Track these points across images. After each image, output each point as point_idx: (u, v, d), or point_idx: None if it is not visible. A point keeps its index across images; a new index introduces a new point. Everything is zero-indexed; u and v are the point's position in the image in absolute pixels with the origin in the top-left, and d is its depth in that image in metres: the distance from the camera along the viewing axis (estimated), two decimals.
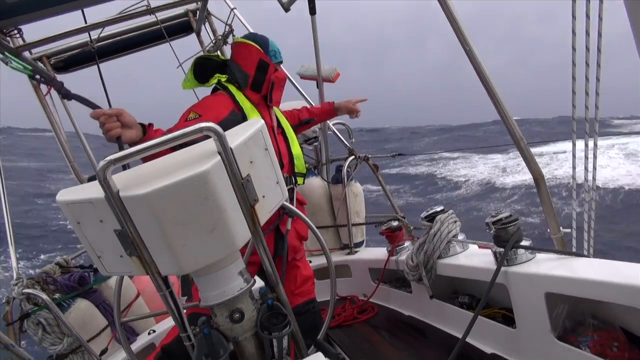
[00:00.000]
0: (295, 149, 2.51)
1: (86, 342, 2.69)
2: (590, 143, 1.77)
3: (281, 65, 2.47)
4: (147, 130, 1.86)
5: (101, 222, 0.98)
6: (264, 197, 1.10)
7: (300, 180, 2.53)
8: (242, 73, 2.33)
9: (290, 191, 2.45)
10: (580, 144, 1.81)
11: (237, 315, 1.15)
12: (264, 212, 1.11)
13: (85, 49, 3.33)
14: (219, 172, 0.95)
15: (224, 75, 2.38)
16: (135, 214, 0.93)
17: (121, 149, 1.70)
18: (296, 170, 2.49)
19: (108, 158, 0.90)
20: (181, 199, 0.92)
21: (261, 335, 1.17)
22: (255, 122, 1.12)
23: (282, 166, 2.37)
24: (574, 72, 1.75)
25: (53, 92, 3.52)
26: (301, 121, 2.85)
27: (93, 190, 0.96)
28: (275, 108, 2.56)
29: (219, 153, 0.96)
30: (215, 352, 1.14)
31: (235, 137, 1.03)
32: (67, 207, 1.00)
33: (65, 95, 2.02)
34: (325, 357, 1.13)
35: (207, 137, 0.96)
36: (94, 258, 1.08)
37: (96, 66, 3.40)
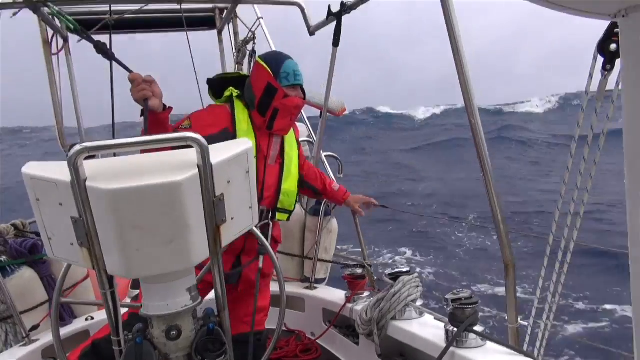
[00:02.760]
0: (288, 184, 2.40)
1: (19, 313, 2.58)
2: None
3: (301, 89, 2.32)
4: (165, 109, 1.89)
5: (60, 205, 0.95)
6: (232, 219, 1.08)
7: (283, 216, 2.43)
8: (251, 94, 2.27)
9: (264, 226, 2.35)
10: None
11: (174, 332, 1.10)
12: (229, 234, 1.09)
13: (101, 17, 3.31)
14: (192, 186, 0.93)
15: (237, 91, 2.34)
16: (96, 206, 0.90)
17: (145, 111, 1.77)
18: (279, 206, 2.39)
19: (84, 144, 0.88)
20: (147, 203, 0.89)
21: (193, 358, 1.13)
22: (243, 143, 1.11)
23: (261, 198, 2.28)
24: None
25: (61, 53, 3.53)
26: (313, 186, 2.72)
27: (61, 172, 0.93)
28: (291, 138, 2.46)
29: (198, 166, 0.94)
30: None
31: (220, 153, 1.01)
32: (30, 181, 0.97)
33: (107, 55, 2.02)
34: None
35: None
36: (44, 238, 1.04)
37: (108, 37, 3.38)
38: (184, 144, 0.93)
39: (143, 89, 1.77)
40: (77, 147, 0.87)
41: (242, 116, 2.25)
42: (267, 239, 2.37)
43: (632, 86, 0.77)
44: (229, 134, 2.18)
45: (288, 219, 2.47)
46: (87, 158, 0.90)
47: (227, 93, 2.33)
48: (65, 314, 2.96)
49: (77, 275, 3.01)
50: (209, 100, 2.51)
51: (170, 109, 1.91)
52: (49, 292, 2.90)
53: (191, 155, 0.98)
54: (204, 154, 0.94)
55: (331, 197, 2.88)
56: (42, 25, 3.30)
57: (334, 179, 3.44)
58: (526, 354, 1.73)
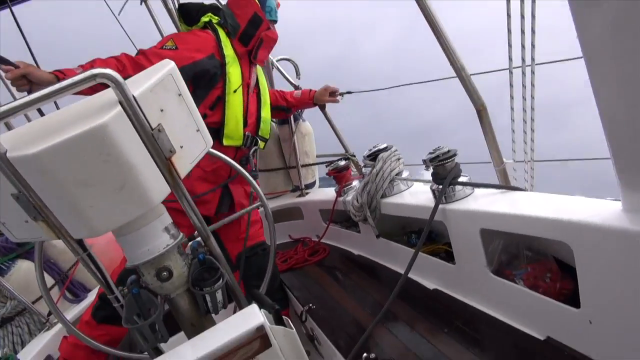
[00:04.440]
0: (266, 112, 2.48)
1: (31, 303, 2.60)
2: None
3: (274, 26, 2.40)
4: (59, 73, 1.84)
5: None
6: (182, 147, 1.02)
7: (261, 144, 2.51)
8: (234, 21, 2.27)
9: (254, 153, 2.44)
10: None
11: (165, 273, 1.09)
12: (184, 163, 1.03)
13: None
14: (120, 124, 0.86)
15: (217, 17, 2.31)
16: (29, 176, 0.84)
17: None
18: (260, 134, 2.45)
19: None
20: (79, 156, 0.82)
21: (192, 291, 1.14)
22: (164, 65, 1.02)
23: (245, 124, 2.34)
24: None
25: None
26: (278, 106, 2.80)
27: None
28: (258, 67, 2.50)
29: (120, 103, 0.86)
30: (146, 312, 1.10)
31: (139, 83, 0.92)
32: None
33: None
34: (260, 308, 1.11)
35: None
36: (0, 226, 0.99)
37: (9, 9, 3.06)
38: (94, 83, 0.84)
39: (21, 85, 1.82)
40: None
41: (227, 43, 2.24)
42: (251, 166, 2.40)
43: None
44: (216, 60, 2.16)
45: (264, 147, 2.56)
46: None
47: (204, 18, 2.29)
48: (77, 290, 3.01)
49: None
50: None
51: (70, 71, 1.90)
52: (53, 275, 2.93)
53: (108, 95, 0.90)
54: (122, 88, 0.85)
55: (300, 105, 2.93)
56: None
57: (293, 81, 3.33)
58: (517, 189, 1.77)
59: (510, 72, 1.69)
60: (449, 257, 2.01)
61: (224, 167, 2.34)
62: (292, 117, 3.41)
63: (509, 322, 1.64)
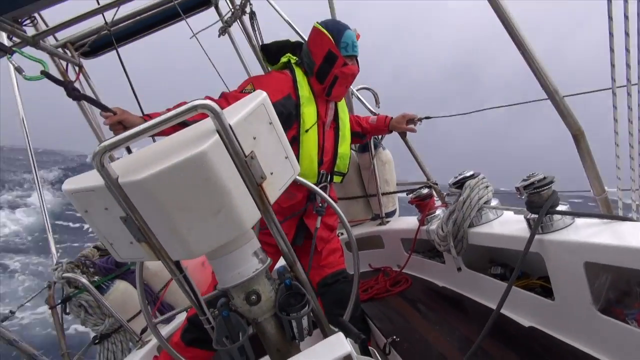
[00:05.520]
0: (344, 148, 2.48)
1: (126, 321, 2.77)
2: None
3: (356, 60, 2.38)
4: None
5: (106, 209, 0.96)
6: (272, 174, 1.04)
7: (338, 178, 2.52)
8: (310, 60, 2.32)
9: (323, 189, 2.44)
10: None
11: (254, 297, 1.11)
12: (274, 189, 1.06)
13: (105, 33, 3.32)
14: (218, 152, 0.90)
15: (295, 57, 2.39)
16: (136, 200, 0.90)
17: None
18: (336, 169, 2.47)
19: (102, 144, 0.87)
20: (180, 182, 0.88)
21: (279, 316, 1.14)
22: (257, 95, 1.06)
23: (321, 163, 2.37)
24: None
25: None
26: (353, 132, 2.76)
27: (95, 179, 0.93)
28: (342, 102, 2.53)
29: (218, 131, 0.91)
30: (234, 334, 1.12)
31: (235, 113, 0.97)
32: (72, 196, 0.98)
33: (74, 96, 2.10)
34: (347, 337, 1.09)
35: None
36: (107, 245, 1.07)
37: (119, 50, 3.39)
38: (197, 114, 0.90)
39: (117, 129, 1.99)
40: (97, 148, 0.86)
41: (303, 83, 2.30)
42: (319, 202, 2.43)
43: None
44: (292, 101, 2.24)
45: (342, 180, 2.55)
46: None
47: (284, 59, 2.39)
48: (166, 311, 3.15)
49: (167, 273, 3.17)
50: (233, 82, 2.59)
51: (152, 114, 2.09)
52: (145, 295, 3.10)
53: (206, 125, 0.95)
54: (220, 118, 0.90)
55: (375, 131, 2.90)
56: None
57: (373, 109, 3.34)
58: (625, 219, 1.61)
59: (614, 93, 1.56)
60: (545, 292, 1.87)
61: (300, 203, 2.39)
62: (372, 144, 3.41)
63: None
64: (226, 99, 2.15)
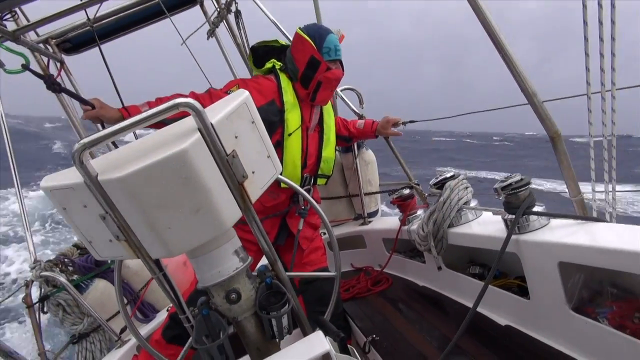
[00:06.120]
0: (328, 152, 2.49)
1: (105, 321, 2.74)
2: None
3: (340, 63, 2.37)
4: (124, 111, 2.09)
5: (85, 207, 0.95)
6: (253, 173, 1.05)
7: (322, 181, 2.53)
8: (294, 66, 2.32)
9: (306, 192, 2.37)
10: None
11: (234, 295, 1.12)
12: (255, 188, 1.06)
13: (87, 29, 3.27)
14: (199, 150, 0.90)
15: (280, 63, 2.39)
16: (116, 197, 0.90)
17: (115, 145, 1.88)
18: (320, 172, 2.48)
19: (81, 141, 0.86)
20: (160, 180, 0.87)
21: (259, 315, 1.15)
22: (239, 94, 1.06)
23: (305, 166, 2.37)
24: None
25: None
26: (340, 135, 2.78)
27: (74, 176, 0.92)
28: (328, 106, 2.54)
29: (199, 130, 0.91)
30: (214, 333, 1.12)
31: (217, 111, 0.97)
32: (51, 193, 0.97)
33: (54, 89, 2.10)
34: (326, 335, 1.09)
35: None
36: (86, 243, 1.06)
37: (103, 46, 3.34)
38: (178, 112, 0.90)
39: (95, 122, 2.12)
40: (76, 146, 0.86)
41: (287, 88, 2.31)
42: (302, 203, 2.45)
43: None
44: (276, 106, 2.25)
45: (326, 183, 2.55)
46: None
47: (268, 65, 2.39)
48: (147, 311, 3.13)
49: (147, 271, 3.15)
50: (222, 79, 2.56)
51: (134, 107, 2.15)
52: (126, 295, 3.07)
53: (188, 123, 0.95)
54: (201, 116, 0.90)
55: (361, 136, 2.92)
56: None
57: (357, 110, 3.36)
58: (598, 220, 1.65)
59: (589, 97, 1.61)
60: (521, 292, 1.90)
61: (284, 204, 2.40)
62: (355, 145, 3.44)
63: None
64: (210, 96, 2.15)
